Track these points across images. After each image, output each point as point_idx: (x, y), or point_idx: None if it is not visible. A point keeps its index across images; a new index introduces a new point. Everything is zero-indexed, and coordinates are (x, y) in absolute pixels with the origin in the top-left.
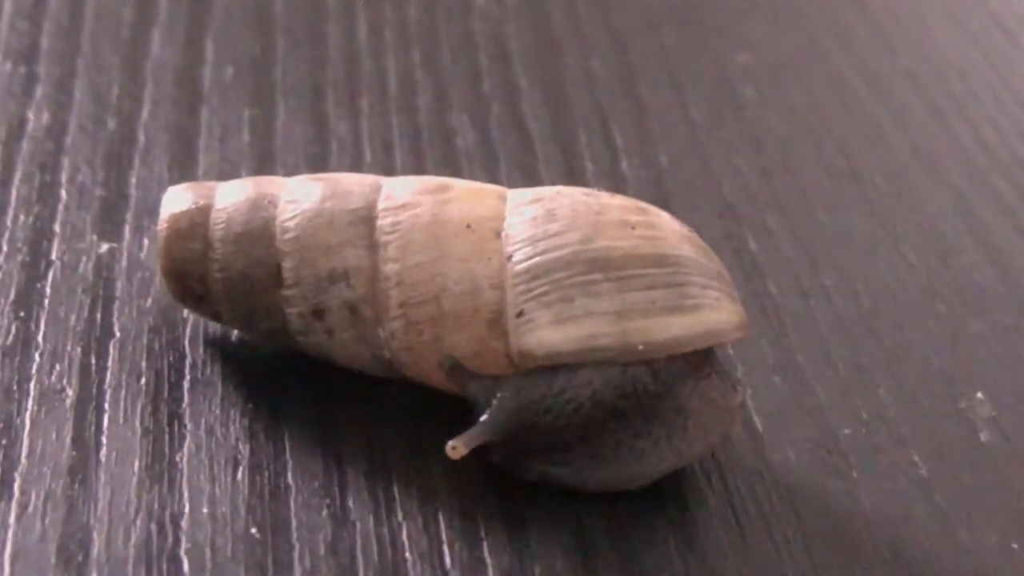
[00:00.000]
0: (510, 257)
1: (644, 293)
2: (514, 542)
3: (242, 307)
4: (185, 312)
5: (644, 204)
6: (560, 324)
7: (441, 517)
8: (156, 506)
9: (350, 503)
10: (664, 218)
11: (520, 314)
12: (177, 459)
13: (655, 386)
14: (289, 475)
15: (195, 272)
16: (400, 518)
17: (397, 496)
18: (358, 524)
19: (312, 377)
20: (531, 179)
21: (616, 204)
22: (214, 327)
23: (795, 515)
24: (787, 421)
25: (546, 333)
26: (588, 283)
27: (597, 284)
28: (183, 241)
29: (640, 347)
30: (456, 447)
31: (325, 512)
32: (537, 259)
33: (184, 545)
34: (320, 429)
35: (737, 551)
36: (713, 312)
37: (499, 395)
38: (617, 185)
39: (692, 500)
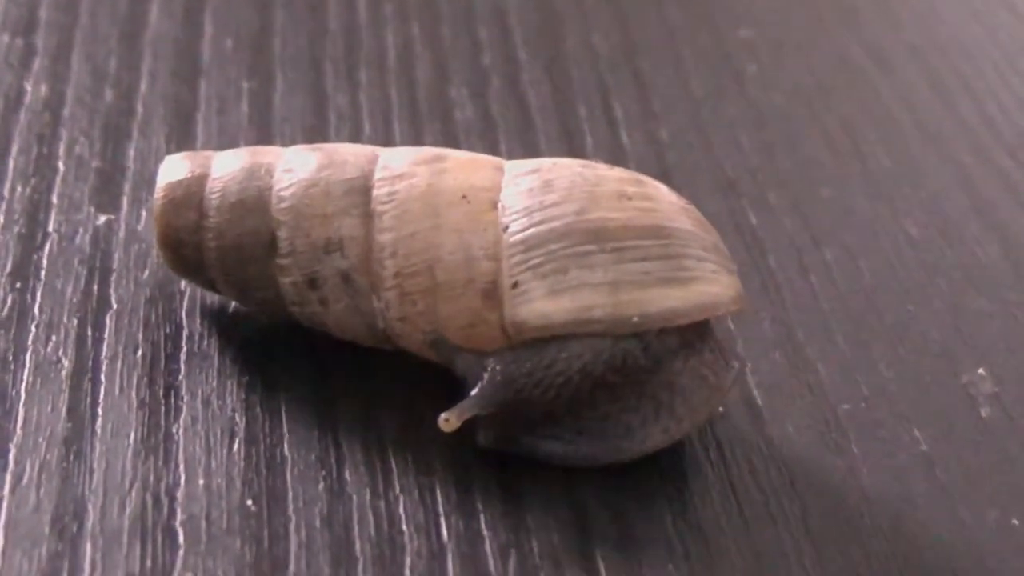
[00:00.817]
0: (506, 228)
1: (639, 264)
2: (511, 516)
3: (237, 276)
4: (182, 284)
5: (642, 176)
6: (554, 295)
7: (438, 490)
8: (151, 478)
9: (346, 475)
10: (662, 190)
11: (515, 285)
12: (173, 431)
13: (645, 360)
14: (285, 447)
15: (190, 241)
16: (397, 491)
17: (394, 468)
18: (354, 497)
19: (308, 349)
20: (531, 153)
21: (613, 176)
22: (211, 299)
23: (793, 490)
24: (787, 396)
25: (541, 304)
26: (583, 254)
27: (592, 255)
28: (179, 210)
29: (635, 319)
30: (448, 419)
31: (321, 484)
32: (532, 230)
33: (179, 517)
34: (316, 401)
35: (735, 526)
36: (709, 284)
37: (489, 368)
38: (617, 159)
39: (690, 474)
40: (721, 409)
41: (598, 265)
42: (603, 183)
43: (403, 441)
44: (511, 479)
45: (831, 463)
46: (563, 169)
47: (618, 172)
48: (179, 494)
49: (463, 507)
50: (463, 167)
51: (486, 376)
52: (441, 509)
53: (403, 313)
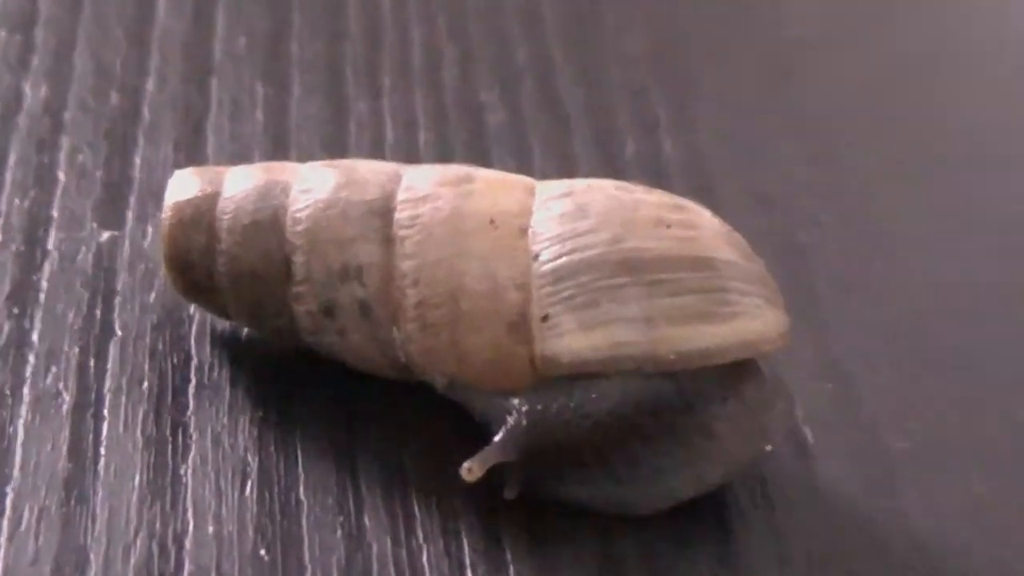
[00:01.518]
0: (536, 256)
1: (676, 299)
2: (541, 567)
3: (249, 303)
4: (191, 308)
5: (683, 201)
6: (586, 330)
7: (464, 538)
8: (158, 524)
9: (366, 521)
10: (704, 216)
11: (545, 318)
12: (181, 472)
13: (679, 402)
14: (301, 490)
15: (200, 264)
16: (420, 539)
17: (417, 514)
18: (374, 545)
19: (326, 381)
20: (565, 160)
21: (652, 200)
22: (222, 325)
23: (842, 537)
24: (836, 432)
25: (572, 339)
26: (616, 287)
27: (625, 288)
28: (188, 231)
29: (671, 357)
30: (471, 469)
31: (339, 531)
32: (564, 259)
33: (187, 568)
34: (335, 439)
35: (775, 569)
36: (751, 320)
37: (513, 411)
38: (657, 167)
39: (732, 518)
40: (769, 448)
41: (632, 299)
42: (640, 208)
43: (427, 484)
44: (541, 527)
45: (881, 506)
46: (598, 193)
47: (657, 196)
48: (187, 542)
49: (490, 557)
50: (492, 189)
51: (510, 420)
52: (467, 559)
53: (426, 346)
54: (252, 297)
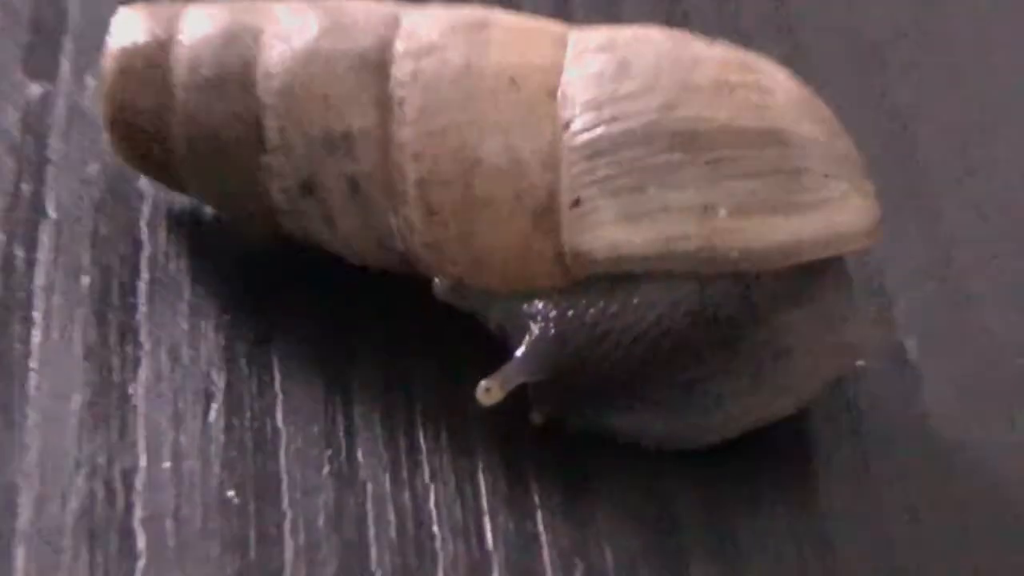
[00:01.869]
0: (567, 125)
1: (743, 182)
2: (576, 514)
3: (212, 178)
4: (142, 181)
5: (753, 58)
6: (629, 221)
7: (481, 477)
8: (102, 458)
9: (359, 456)
10: (778, 79)
11: (576, 202)
12: (130, 392)
13: (743, 312)
14: (279, 416)
15: (151, 128)
16: (426, 477)
17: (423, 446)
18: (370, 486)
19: (311, 277)
20: (610, 5)
21: (715, 57)
22: (181, 203)
23: (949, 480)
24: (945, 345)
25: (610, 231)
26: (667, 166)
27: (680, 169)
28: (135, 85)
29: (734, 254)
30: (490, 389)
31: (327, 469)
32: (602, 130)
33: (138, 512)
34: (321, 352)
35: (868, 532)
36: (836, 211)
37: (539, 319)
38: (727, 22)
39: (813, 458)
40: (860, 363)
41: (688, 182)
42: (700, 67)
43: (435, 409)
44: (577, 463)
45: (1001, 440)
46: (646, 46)
47: (721, 51)
48: (138, 482)
49: (513, 502)
50: (514, 39)
51: (535, 329)
52: (485, 504)
53: (430, 238)
54: (215, 170)
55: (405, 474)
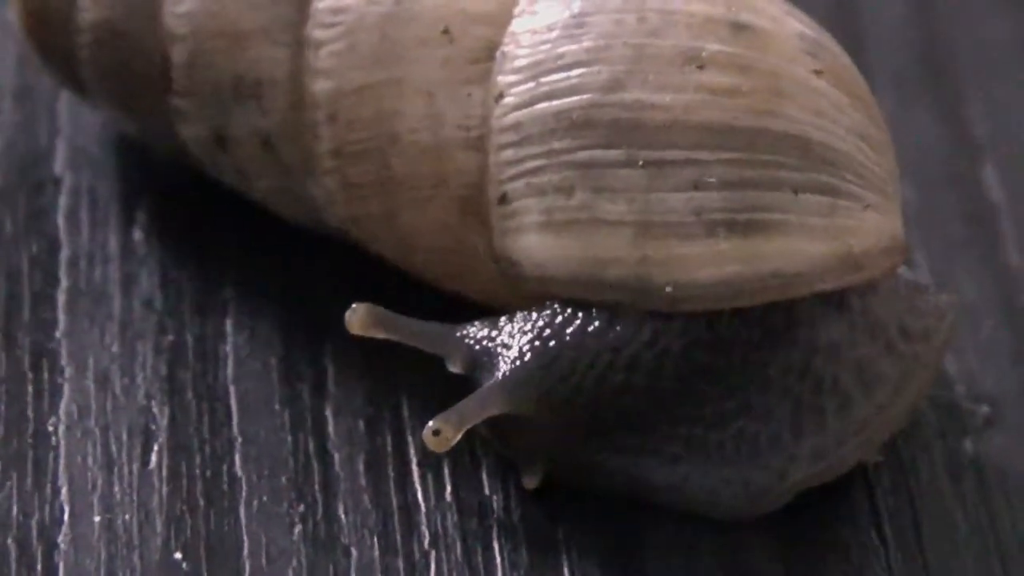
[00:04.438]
0: (500, 96)
1: (687, 195)
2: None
3: (125, 111)
4: (58, 161)
5: (749, 16)
6: (555, 231)
7: (496, 544)
8: (16, 508)
9: (339, 514)
10: (776, 41)
11: (503, 198)
12: (49, 429)
13: (752, 329)
14: (237, 461)
15: (61, 45)
16: (426, 542)
17: (421, 503)
18: (354, 552)
19: (275, 281)
20: None
21: (698, 13)
22: (106, 187)
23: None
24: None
25: (535, 241)
26: (600, 165)
27: (613, 170)
28: None
29: (667, 289)
30: (441, 430)
31: (298, 529)
32: (535, 108)
33: None
34: (288, 380)
35: None
36: (808, 237)
37: (512, 342)
38: None
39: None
40: (985, 409)
41: (621, 189)
42: (667, 32)
43: (436, 452)
44: (620, 524)
45: None
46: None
47: (708, 6)
48: (61, 538)
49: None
50: None
51: (509, 356)
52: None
53: (352, 212)
54: (127, 103)
55: (398, 537)
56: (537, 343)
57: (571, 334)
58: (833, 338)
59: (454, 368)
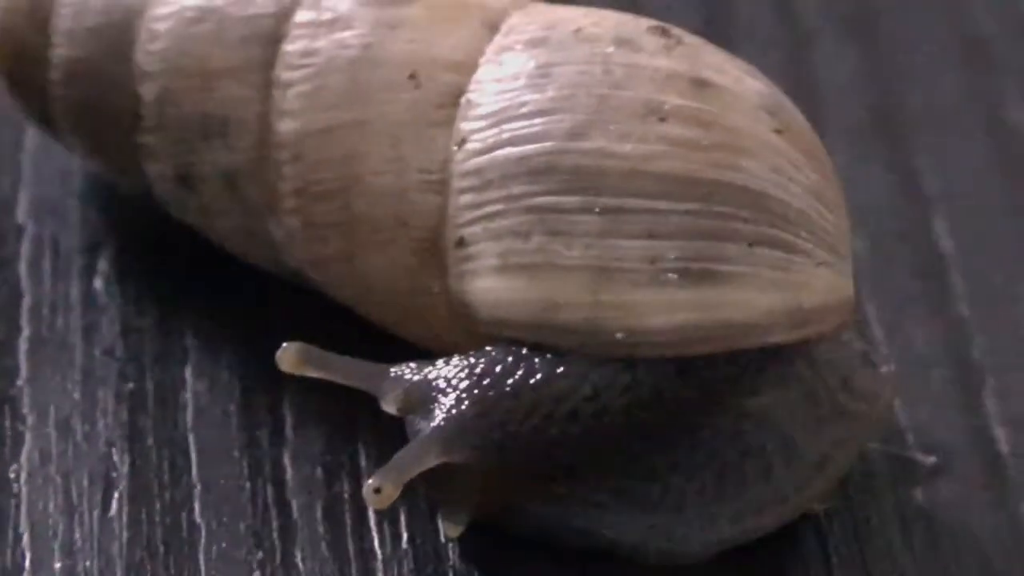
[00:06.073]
0: (462, 142)
1: (643, 243)
2: None
3: (93, 147)
4: (21, 210)
5: (715, 75)
6: (510, 274)
7: None
8: None
9: (298, 561)
10: (738, 100)
11: (461, 242)
12: (10, 476)
13: (687, 392)
14: (196, 508)
15: (33, 79)
16: None
17: (378, 552)
18: None
19: (235, 329)
20: None
21: (660, 69)
22: (68, 237)
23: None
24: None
25: (491, 283)
26: (557, 209)
27: (571, 216)
28: (20, 26)
29: (619, 335)
30: (381, 488)
31: (257, 574)
32: (496, 154)
33: None
34: (247, 427)
35: None
36: (760, 288)
37: (448, 389)
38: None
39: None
40: (930, 458)
41: (578, 234)
42: (631, 83)
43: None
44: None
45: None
46: (582, 48)
47: (678, 61)
48: None
49: None
50: (435, 18)
51: (445, 402)
52: None
53: (312, 253)
54: (96, 140)
55: None
56: (476, 391)
57: (511, 384)
58: (768, 404)
59: (388, 408)
